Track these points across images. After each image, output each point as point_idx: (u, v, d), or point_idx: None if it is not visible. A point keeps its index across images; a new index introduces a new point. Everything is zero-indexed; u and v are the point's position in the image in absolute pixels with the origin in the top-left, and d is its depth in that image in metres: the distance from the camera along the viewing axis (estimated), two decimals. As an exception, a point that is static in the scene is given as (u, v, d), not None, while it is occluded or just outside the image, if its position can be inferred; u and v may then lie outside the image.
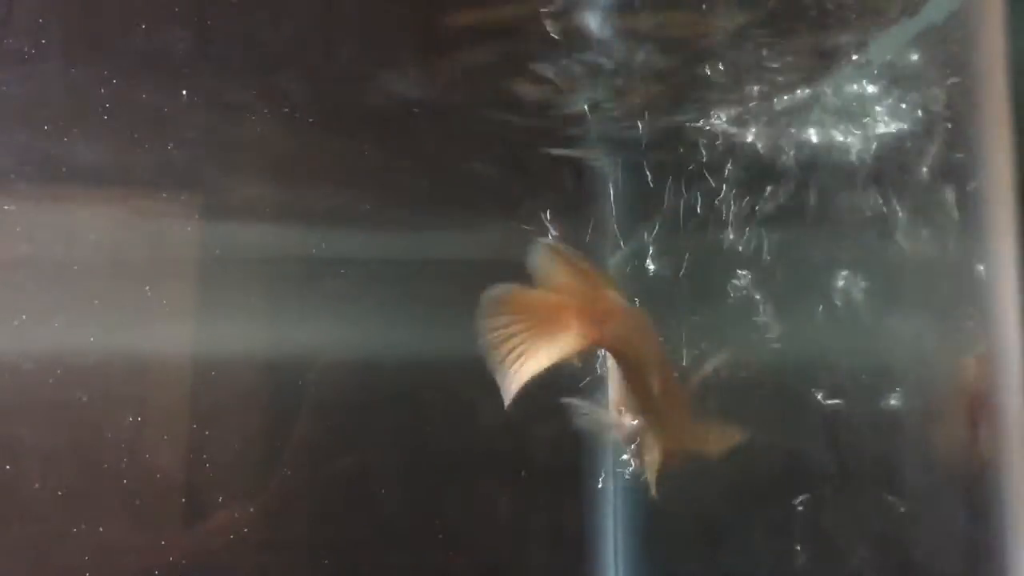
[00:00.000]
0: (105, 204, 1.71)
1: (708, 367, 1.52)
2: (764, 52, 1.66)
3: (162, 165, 1.73)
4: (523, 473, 1.96)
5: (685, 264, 1.96)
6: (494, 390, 1.92)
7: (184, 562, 1.70)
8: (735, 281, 1.88)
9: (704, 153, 1.89)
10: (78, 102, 1.65)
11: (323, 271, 1.91)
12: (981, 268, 1.36)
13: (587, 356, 1.39)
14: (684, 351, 1.79)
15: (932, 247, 1.58)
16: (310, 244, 1.90)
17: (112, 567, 1.63)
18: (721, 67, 1.71)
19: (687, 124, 1.89)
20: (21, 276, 1.63)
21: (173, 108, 1.70)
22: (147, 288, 1.72)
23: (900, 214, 1.66)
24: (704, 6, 1.57)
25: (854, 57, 1.63)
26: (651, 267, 2.00)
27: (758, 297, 1.83)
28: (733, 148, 1.87)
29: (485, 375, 1.92)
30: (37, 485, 1.60)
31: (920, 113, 1.65)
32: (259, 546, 1.78)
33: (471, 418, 1.91)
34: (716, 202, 1.90)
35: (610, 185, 2.10)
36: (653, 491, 1.41)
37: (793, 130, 1.82)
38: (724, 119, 1.86)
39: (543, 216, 1.75)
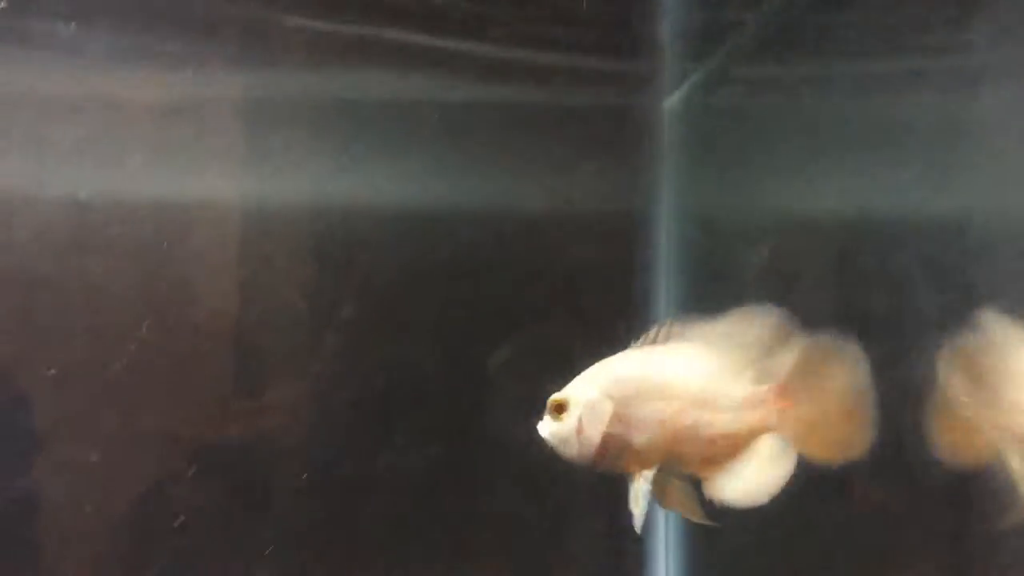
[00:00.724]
0: (153, 48, 1.67)
1: None
2: None
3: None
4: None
5: (760, 103, 1.80)
6: (551, 245, 1.90)
7: (234, 407, 1.74)
8: (822, 119, 1.70)
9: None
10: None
11: (378, 115, 1.83)
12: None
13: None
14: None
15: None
16: (363, 87, 1.82)
17: (158, 401, 1.66)
18: None
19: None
20: (77, 120, 1.61)
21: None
22: (195, 132, 1.70)
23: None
24: None
25: None
26: (719, 104, 1.84)
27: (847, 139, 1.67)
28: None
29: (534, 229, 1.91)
30: (96, 317, 1.62)
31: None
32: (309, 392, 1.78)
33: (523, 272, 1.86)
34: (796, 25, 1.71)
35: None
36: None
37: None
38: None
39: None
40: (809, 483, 1.53)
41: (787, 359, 1.27)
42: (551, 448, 1.26)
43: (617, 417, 1.25)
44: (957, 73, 1.57)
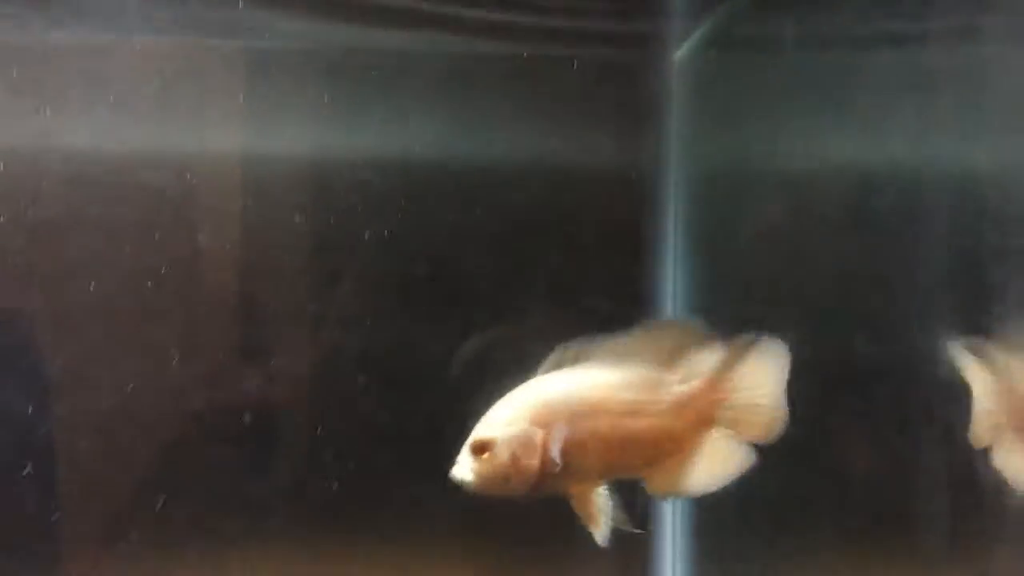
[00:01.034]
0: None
1: None
2: None
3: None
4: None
5: (772, 56, 1.71)
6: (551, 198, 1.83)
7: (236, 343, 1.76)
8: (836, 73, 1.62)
9: None
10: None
11: (384, 68, 1.82)
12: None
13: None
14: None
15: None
16: (369, 39, 1.82)
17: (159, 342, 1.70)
18: None
19: None
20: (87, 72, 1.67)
21: None
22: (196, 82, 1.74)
23: None
24: None
25: None
26: (729, 58, 1.76)
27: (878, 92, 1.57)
28: None
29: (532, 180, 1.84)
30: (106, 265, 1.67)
31: None
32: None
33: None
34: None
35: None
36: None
37: None
38: None
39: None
40: (814, 482, 1.47)
41: (710, 358, 1.34)
42: (474, 488, 1.26)
43: (550, 443, 1.28)
44: (976, 21, 1.45)
